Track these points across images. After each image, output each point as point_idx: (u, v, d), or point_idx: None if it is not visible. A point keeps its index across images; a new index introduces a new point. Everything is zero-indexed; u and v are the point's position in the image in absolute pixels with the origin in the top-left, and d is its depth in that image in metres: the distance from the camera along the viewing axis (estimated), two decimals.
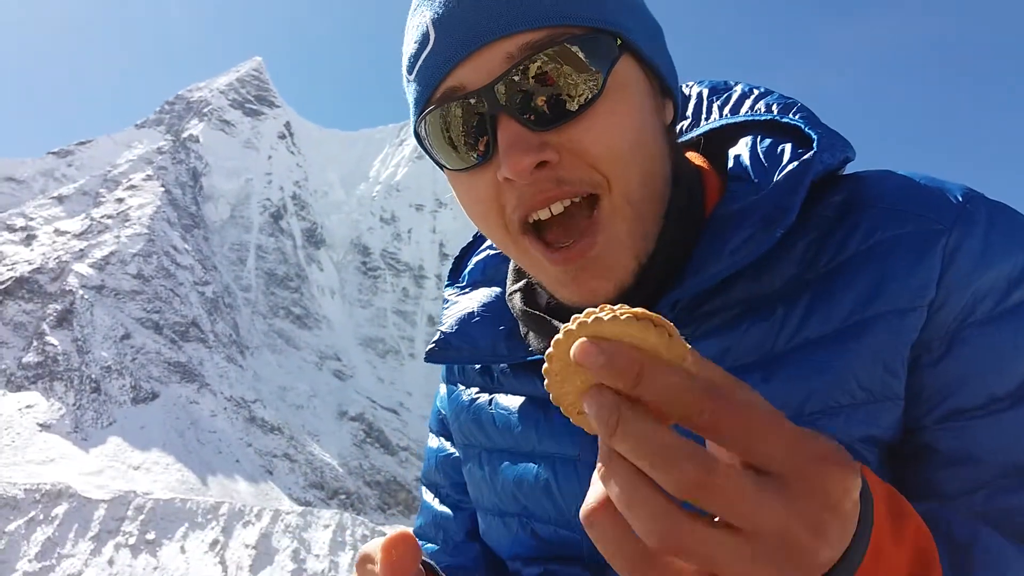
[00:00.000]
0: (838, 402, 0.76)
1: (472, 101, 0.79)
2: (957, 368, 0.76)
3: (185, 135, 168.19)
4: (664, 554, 0.45)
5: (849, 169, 0.89)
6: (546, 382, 0.52)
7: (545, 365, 0.50)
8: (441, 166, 0.87)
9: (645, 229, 0.83)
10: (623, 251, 0.82)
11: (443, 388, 1.19)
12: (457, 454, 1.14)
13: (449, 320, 1.06)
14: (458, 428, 1.10)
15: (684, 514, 0.44)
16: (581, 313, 0.48)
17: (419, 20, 0.82)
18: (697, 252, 0.84)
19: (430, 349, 1.05)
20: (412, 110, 0.87)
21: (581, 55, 0.77)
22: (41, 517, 73.71)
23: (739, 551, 0.44)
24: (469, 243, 1.21)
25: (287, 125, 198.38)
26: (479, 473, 1.04)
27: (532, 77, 0.76)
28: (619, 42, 0.80)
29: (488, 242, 1.16)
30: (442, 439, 1.20)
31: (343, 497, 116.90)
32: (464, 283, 1.14)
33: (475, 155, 0.82)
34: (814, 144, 0.84)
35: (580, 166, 0.79)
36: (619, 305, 0.48)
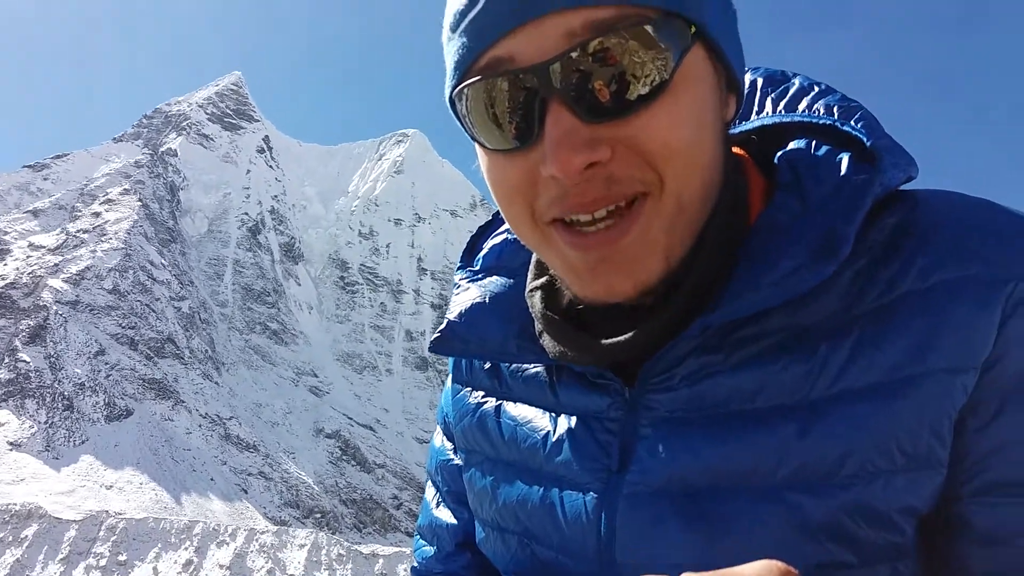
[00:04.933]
0: (876, 466, 0.70)
1: (522, 77, 0.69)
2: (1003, 436, 0.69)
3: (163, 149, 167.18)
4: None
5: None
6: None
7: None
8: (475, 141, 0.79)
9: (683, 233, 0.74)
10: (654, 250, 0.73)
11: (449, 384, 1.11)
12: (456, 461, 1.08)
13: (457, 308, 0.97)
14: (461, 432, 1.03)
15: None
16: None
17: None
18: (736, 275, 0.75)
19: (435, 338, 0.96)
20: (449, 75, 0.77)
21: (649, 40, 0.67)
22: (10, 539, 72.18)
23: None
24: (485, 224, 1.11)
25: (266, 139, 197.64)
26: (480, 483, 0.98)
27: (592, 62, 0.67)
28: (693, 29, 0.70)
29: (506, 225, 1.04)
30: (445, 440, 1.13)
31: (319, 516, 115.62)
32: (477, 268, 1.04)
33: (515, 137, 0.72)
34: (875, 159, 0.74)
35: (634, 163, 0.70)
36: None
